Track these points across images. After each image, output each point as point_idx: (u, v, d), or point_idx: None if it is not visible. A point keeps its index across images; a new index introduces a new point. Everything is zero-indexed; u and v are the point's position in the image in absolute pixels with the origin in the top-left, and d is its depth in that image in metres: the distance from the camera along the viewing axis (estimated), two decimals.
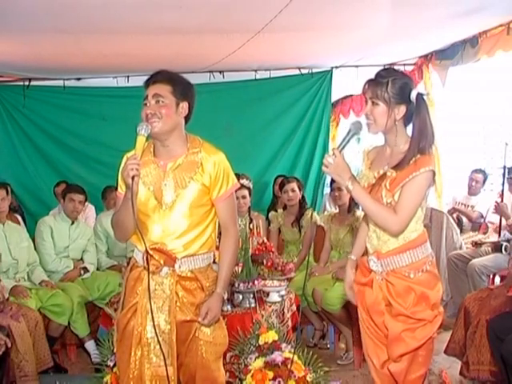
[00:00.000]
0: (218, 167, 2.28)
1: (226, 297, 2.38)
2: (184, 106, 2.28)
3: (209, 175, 2.27)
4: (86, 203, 5.40)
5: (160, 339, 2.20)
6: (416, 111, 2.20)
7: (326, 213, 4.91)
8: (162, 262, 2.24)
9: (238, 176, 3.31)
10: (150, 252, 2.23)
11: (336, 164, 2.14)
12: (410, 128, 2.26)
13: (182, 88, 2.29)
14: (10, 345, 3.25)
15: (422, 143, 2.16)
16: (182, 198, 2.25)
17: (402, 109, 2.20)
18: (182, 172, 2.26)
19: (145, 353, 2.24)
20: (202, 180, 2.26)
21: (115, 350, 2.45)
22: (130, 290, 2.32)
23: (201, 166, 2.26)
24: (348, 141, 2.22)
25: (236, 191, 2.42)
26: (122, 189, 2.29)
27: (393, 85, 2.18)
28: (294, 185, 4.60)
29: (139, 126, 2.20)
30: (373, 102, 2.21)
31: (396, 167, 2.19)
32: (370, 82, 2.24)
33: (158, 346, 2.22)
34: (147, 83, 2.29)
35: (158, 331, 2.21)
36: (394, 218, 2.15)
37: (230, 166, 2.36)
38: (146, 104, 2.26)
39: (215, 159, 2.28)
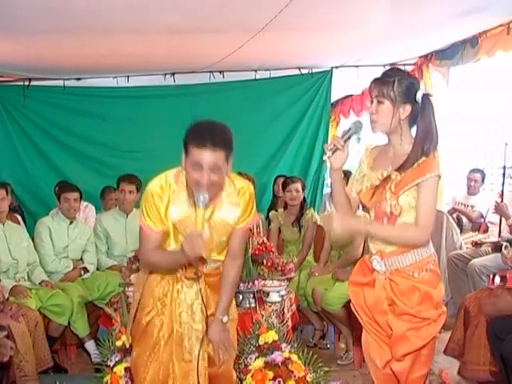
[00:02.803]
0: (248, 200, 2.30)
1: (225, 320, 2.38)
2: (229, 164, 2.19)
3: (241, 210, 2.28)
4: (86, 203, 5.40)
5: (191, 335, 2.30)
6: (421, 112, 2.19)
7: (326, 213, 4.91)
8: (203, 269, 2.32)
9: (241, 174, 3.31)
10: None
11: (341, 225, 2.15)
12: (414, 129, 2.26)
13: (231, 149, 2.16)
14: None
15: (426, 145, 2.16)
16: (219, 241, 2.31)
17: (408, 108, 2.19)
18: (220, 218, 2.27)
19: (173, 350, 2.30)
20: (238, 219, 2.28)
21: (134, 351, 2.44)
22: (151, 291, 2.34)
23: (238, 207, 2.27)
24: (348, 138, 2.24)
25: None
26: (155, 225, 2.22)
27: (399, 84, 2.17)
28: (299, 185, 4.62)
29: (197, 198, 2.11)
30: (378, 101, 2.20)
31: (399, 169, 2.19)
32: (376, 80, 2.23)
33: (188, 343, 2.30)
34: (201, 144, 2.06)
35: (189, 328, 2.31)
36: (416, 231, 2.18)
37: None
38: (196, 169, 2.09)
39: (247, 192, 2.29)
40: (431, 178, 2.14)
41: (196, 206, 2.15)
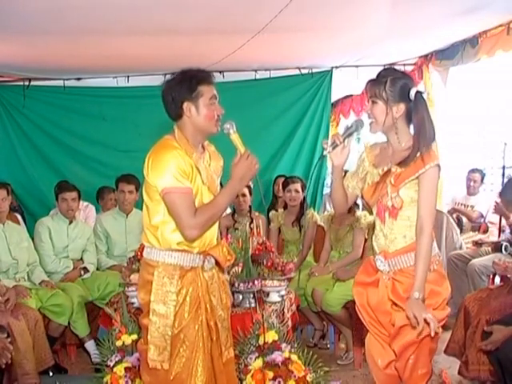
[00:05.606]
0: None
1: None
2: None
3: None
4: (87, 203, 5.40)
5: (220, 326, 2.34)
6: (414, 109, 2.23)
7: (325, 213, 4.91)
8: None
9: None
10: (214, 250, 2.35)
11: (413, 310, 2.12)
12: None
13: None
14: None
15: (420, 141, 2.18)
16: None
17: (401, 107, 2.22)
18: (214, 161, 2.39)
19: (210, 347, 2.30)
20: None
21: (168, 368, 2.25)
22: (187, 302, 2.25)
23: (217, 154, 2.45)
24: (348, 135, 2.27)
25: None
26: (183, 183, 2.18)
27: (391, 84, 2.21)
28: (299, 186, 4.61)
29: (226, 127, 2.29)
30: (372, 101, 2.25)
31: (400, 165, 2.21)
32: (370, 81, 2.29)
33: (224, 336, 2.35)
34: (211, 79, 2.34)
35: (223, 320, 2.35)
36: (425, 232, 2.17)
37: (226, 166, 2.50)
38: (214, 103, 2.33)
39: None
40: (430, 168, 2.16)
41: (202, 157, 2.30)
